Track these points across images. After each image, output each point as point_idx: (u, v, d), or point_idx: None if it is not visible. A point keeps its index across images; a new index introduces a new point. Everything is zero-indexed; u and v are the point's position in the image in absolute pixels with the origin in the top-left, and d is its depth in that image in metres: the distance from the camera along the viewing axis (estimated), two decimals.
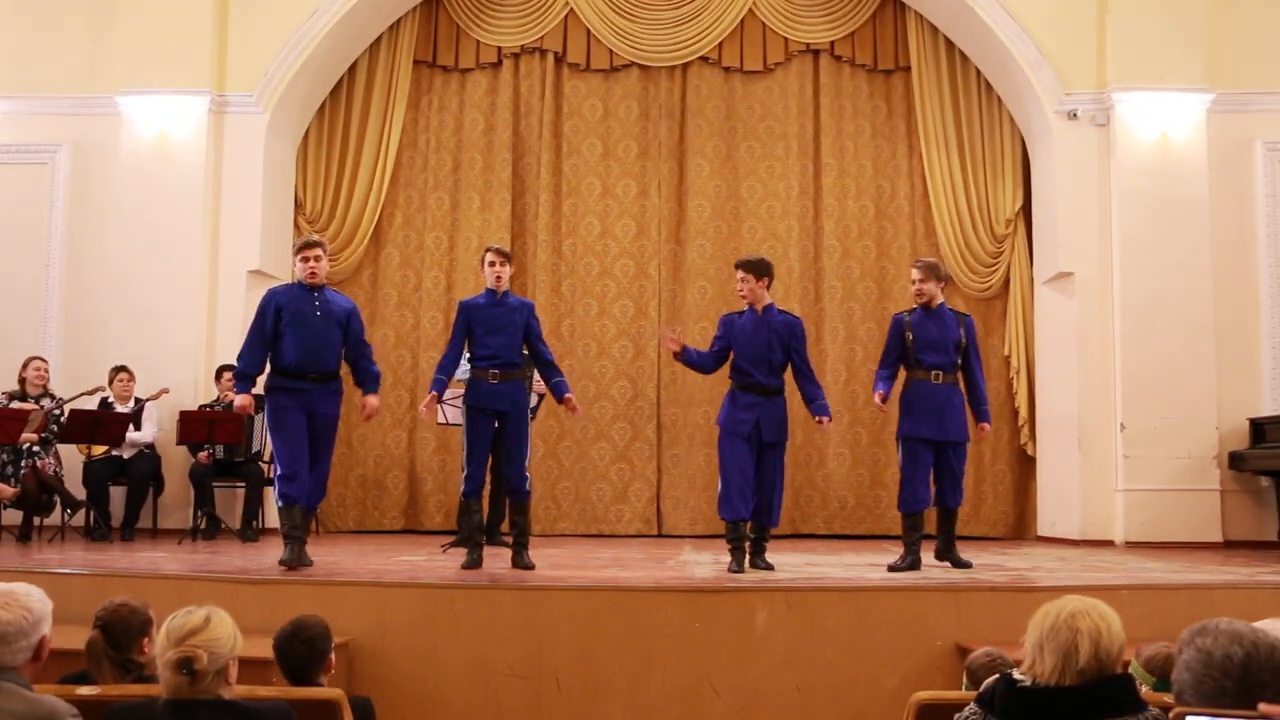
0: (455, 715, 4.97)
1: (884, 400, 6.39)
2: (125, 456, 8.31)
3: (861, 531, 9.54)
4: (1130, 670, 3.03)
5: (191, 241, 8.97)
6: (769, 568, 6.12)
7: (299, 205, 9.80)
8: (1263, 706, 2.08)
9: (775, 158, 9.95)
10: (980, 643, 4.14)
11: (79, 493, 8.10)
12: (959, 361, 6.35)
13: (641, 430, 9.71)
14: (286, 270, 8.48)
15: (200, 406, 8.57)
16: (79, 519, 8.13)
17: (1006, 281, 9.68)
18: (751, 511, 6.12)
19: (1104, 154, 8.96)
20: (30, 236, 9.22)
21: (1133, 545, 8.46)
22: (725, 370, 6.38)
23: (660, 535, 9.55)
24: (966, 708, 2.54)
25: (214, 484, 8.39)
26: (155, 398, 8.44)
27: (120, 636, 3.32)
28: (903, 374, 6.44)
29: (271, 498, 6.74)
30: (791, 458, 8.19)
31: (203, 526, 8.23)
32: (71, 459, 8.27)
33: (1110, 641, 2.36)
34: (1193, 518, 8.54)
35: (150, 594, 3.89)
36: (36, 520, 7.99)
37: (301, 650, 3.40)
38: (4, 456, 7.84)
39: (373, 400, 6.29)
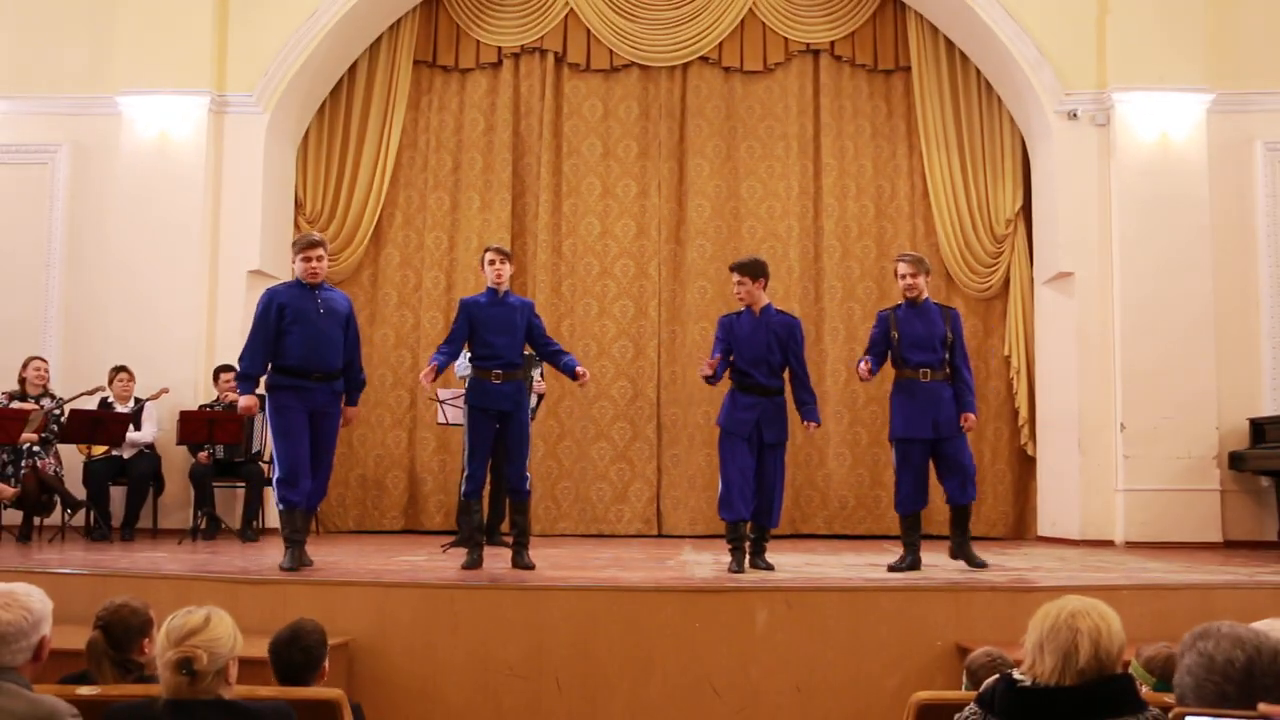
0: (455, 715, 4.97)
1: (870, 373, 6.28)
2: (125, 456, 8.31)
3: (861, 531, 9.54)
4: (1130, 670, 3.03)
5: (191, 241, 8.97)
6: (769, 568, 6.12)
7: (299, 205, 9.80)
8: (1262, 706, 2.08)
9: (775, 158, 9.95)
10: (980, 643, 4.13)
11: (79, 493, 8.10)
12: (946, 357, 6.29)
13: (641, 430, 9.71)
14: (286, 270, 8.46)
15: (200, 406, 8.57)
16: (79, 519, 8.14)
17: (1006, 281, 9.68)
18: (752, 512, 6.13)
19: (1104, 154, 8.96)
20: (30, 236, 9.22)
21: (1133, 545, 8.45)
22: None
23: (660, 535, 9.55)
24: (966, 708, 2.54)
25: (214, 484, 8.39)
26: (155, 398, 8.44)
27: (121, 637, 3.31)
28: (893, 373, 6.43)
29: (271, 498, 6.73)
30: (791, 458, 8.19)
31: (203, 526, 8.24)
32: (71, 459, 8.27)
33: (1110, 641, 2.36)
34: (1193, 518, 8.53)
35: (150, 594, 3.89)
36: (36, 520, 7.99)
37: (298, 656, 3.40)
38: (4, 456, 7.84)
39: (352, 411, 6.33)
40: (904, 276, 6.35)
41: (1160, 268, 8.74)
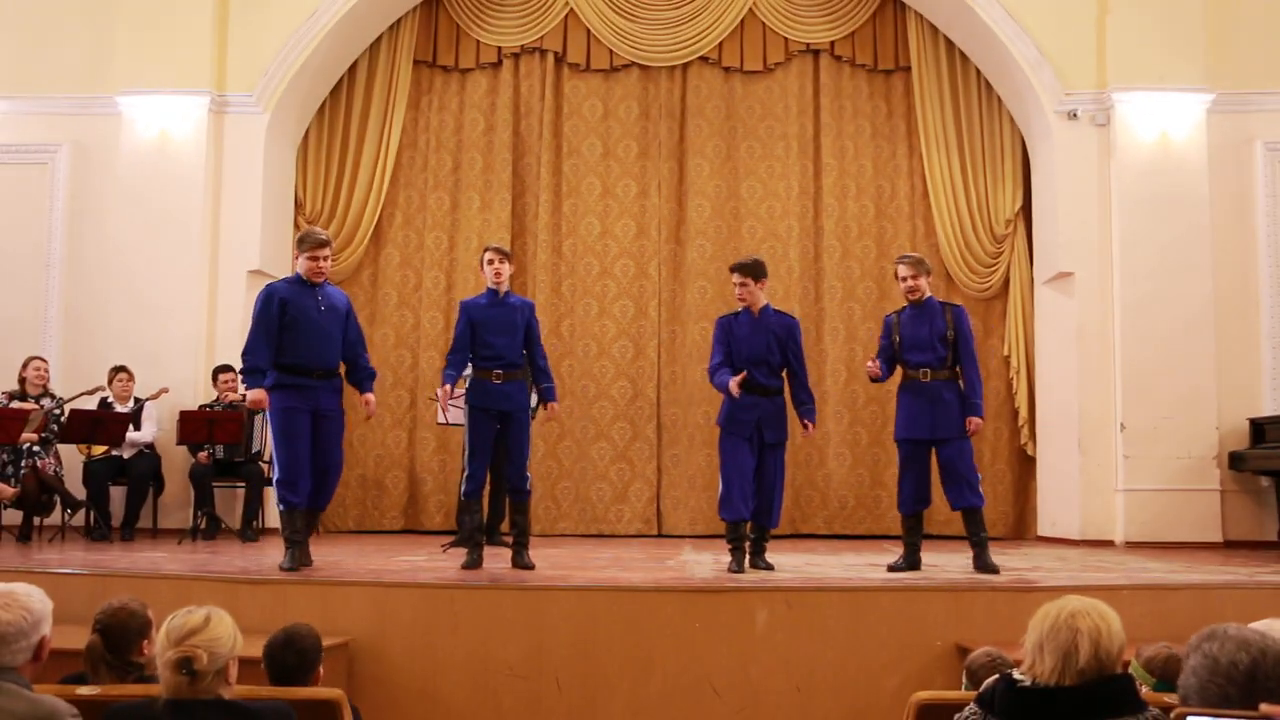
0: (455, 715, 4.97)
1: (879, 374, 6.30)
2: (125, 456, 8.31)
3: (861, 531, 9.54)
4: (1130, 670, 3.03)
5: (191, 241, 8.97)
6: (769, 568, 6.12)
7: (299, 205, 9.80)
8: (1264, 706, 2.08)
9: (775, 158, 9.95)
10: (980, 643, 4.13)
11: (79, 493, 8.10)
12: (948, 356, 6.22)
13: (641, 430, 9.71)
14: (286, 270, 8.48)
15: (200, 406, 8.56)
16: (79, 519, 8.13)
17: (1006, 281, 9.68)
18: (752, 512, 6.13)
19: (1104, 154, 8.96)
20: (30, 236, 9.22)
21: (1133, 545, 8.45)
22: None
23: (660, 535, 9.55)
24: (966, 708, 2.54)
25: (214, 484, 8.39)
26: (155, 397, 8.44)
27: (119, 640, 3.30)
28: (900, 374, 6.43)
29: (272, 499, 6.72)
30: (791, 458, 8.19)
31: (203, 526, 8.23)
32: (71, 459, 8.27)
33: (1110, 641, 2.36)
34: (1193, 518, 8.53)
35: (150, 594, 3.88)
36: (36, 520, 7.99)
37: (293, 660, 3.40)
38: (4, 456, 7.83)
39: (371, 398, 6.31)
40: (904, 279, 6.33)
41: (1160, 267, 8.74)
